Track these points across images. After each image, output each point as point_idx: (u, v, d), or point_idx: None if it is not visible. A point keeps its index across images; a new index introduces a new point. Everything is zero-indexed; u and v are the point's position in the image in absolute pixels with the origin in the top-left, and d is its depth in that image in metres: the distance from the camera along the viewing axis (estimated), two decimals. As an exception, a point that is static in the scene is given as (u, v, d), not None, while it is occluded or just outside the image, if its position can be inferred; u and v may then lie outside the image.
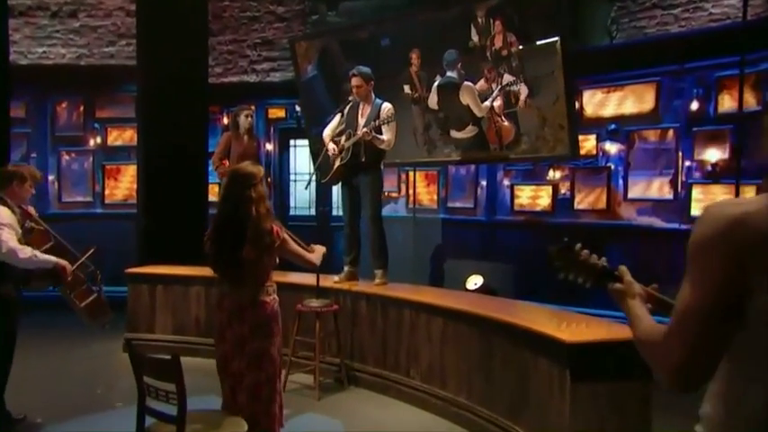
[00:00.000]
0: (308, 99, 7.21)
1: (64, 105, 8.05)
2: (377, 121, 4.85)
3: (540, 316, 3.68)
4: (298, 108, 8.29)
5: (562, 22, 4.86)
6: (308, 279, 4.83)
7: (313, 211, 8.74)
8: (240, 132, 5.89)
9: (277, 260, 3.10)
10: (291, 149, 8.96)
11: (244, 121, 5.90)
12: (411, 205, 7.68)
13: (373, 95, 5.09)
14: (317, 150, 6.08)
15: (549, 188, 7.02)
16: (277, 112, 8.65)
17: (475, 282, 6.32)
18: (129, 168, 8.00)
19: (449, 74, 5.90)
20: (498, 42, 5.69)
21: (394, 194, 8.01)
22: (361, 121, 5.06)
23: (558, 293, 6.75)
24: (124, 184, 8.13)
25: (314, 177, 5.36)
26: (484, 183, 7.51)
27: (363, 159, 4.96)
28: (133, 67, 7.19)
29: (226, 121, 8.45)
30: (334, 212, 8.62)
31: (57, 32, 7.96)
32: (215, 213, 3.07)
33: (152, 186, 6.72)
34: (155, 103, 6.74)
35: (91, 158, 8.11)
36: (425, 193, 7.93)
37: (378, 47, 6.12)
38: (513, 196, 7.27)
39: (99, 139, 8.10)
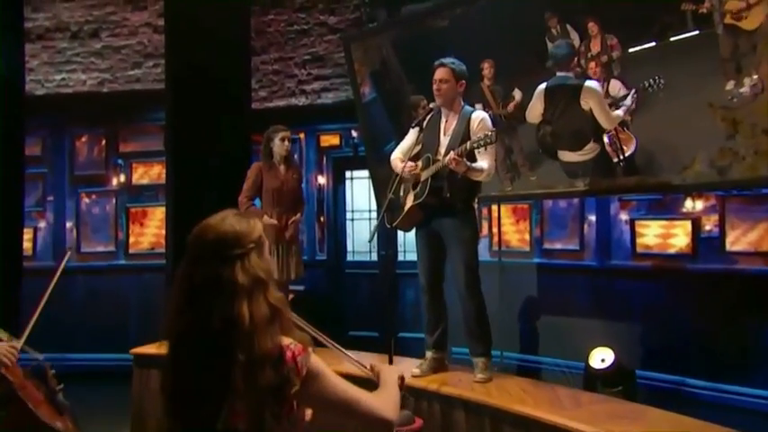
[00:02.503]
0: (368, 122, 5.75)
1: (84, 140, 6.86)
2: (468, 144, 3.13)
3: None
4: (354, 133, 6.81)
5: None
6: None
7: (375, 256, 7.07)
8: (275, 161, 4.39)
9: (306, 415, 1.45)
10: (347, 182, 7.39)
11: (279, 146, 4.37)
12: (496, 247, 6.02)
13: (462, 102, 3.42)
14: (380, 180, 4.49)
15: (687, 224, 5.12)
16: (330, 139, 7.20)
17: (602, 357, 4.45)
18: (156, 211, 6.71)
19: (560, 74, 4.17)
20: (596, 47, 4.25)
21: (473, 234, 6.39)
22: (444, 140, 3.40)
23: (708, 368, 4.88)
24: (151, 230, 6.80)
25: (380, 220, 3.64)
26: (593, 218, 5.69)
27: (448, 196, 3.27)
28: (161, 92, 6.05)
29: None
30: (401, 257, 6.94)
31: (77, 56, 6.79)
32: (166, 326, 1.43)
33: (183, 232, 5.04)
34: (187, 134, 5.65)
35: (113, 200, 6.83)
36: (514, 231, 6.21)
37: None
38: (634, 234, 5.41)
39: (123, 178, 6.85)
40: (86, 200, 6.86)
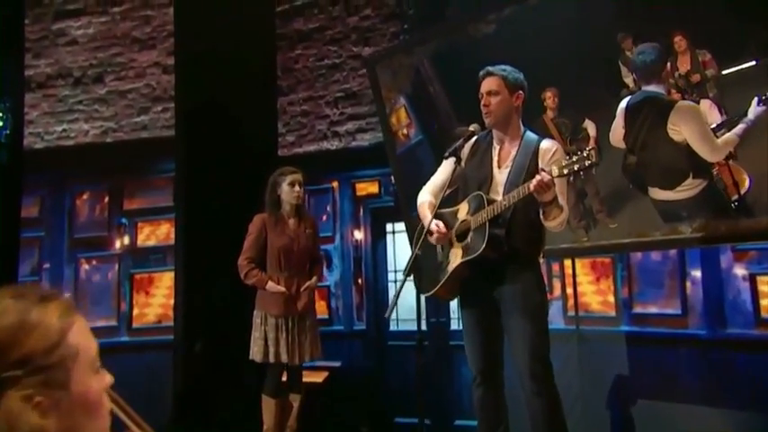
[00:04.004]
0: (407, 169, 5.25)
1: (85, 197, 6.60)
2: (566, 165, 2.45)
3: None
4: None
5: None
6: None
7: (424, 326, 6.35)
8: (283, 212, 3.91)
9: None
10: (389, 237, 6.81)
11: (288, 192, 3.91)
12: (572, 312, 5.30)
13: (521, 125, 2.81)
14: (412, 230, 3.99)
15: (830, 279, 4.19)
16: (367, 187, 6.73)
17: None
18: (164, 277, 6.32)
19: (648, 88, 3.49)
20: (684, 65, 3.70)
21: (542, 295, 5.68)
22: (500, 175, 2.82)
23: None
24: (158, 300, 6.38)
25: (400, 287, 2.95)
26: (697, 273, 4.84)
27: (506, 249, 2.62)
28: (171, 140, 5.82)
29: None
30: (454, 325, 6.24)
31: (79, 104, 6.60)
32: None
33: (195, 302, 5.20)
34: (200, 187, 5.35)
35: (116, 266, 6.50)
36: (593, 292, 5.39)
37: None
38: (756, 295, 4.54)
39: (127, 239, 6.54)
40: (86, 266, 6.57)
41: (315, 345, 3.85)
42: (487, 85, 2.79)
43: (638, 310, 5.10)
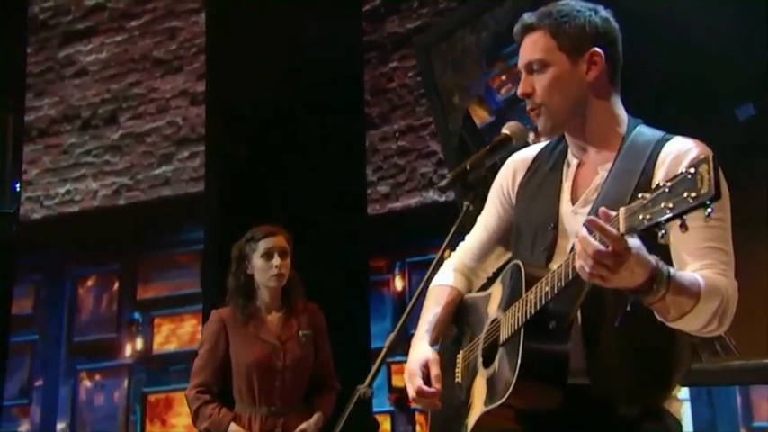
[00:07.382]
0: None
1: (89, 284, 6.48)
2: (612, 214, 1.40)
3: None
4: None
5: None
6: None
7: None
8: (259, 305, 3.17)
9: None
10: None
11: (263, 269, 3.13)
12: None
13: (620, 113, 1.74)
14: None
15: None
16: None
17: None
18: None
19: None
20: None
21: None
22: (574, 218, 1.74)
23: None
24: None
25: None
26: None
27: (589, 383, 1.66)
28: (199, 198, 5.71)
29: (399, 286, 6.44)
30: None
31: (87, 154, 6.57)
32: None
33: None
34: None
35: (125, 382, 6.19)
36: None
37: (732, 121, 3.80)
38: None
39: (140, 343, 6.23)
40: (87, 382, 6.32)
41: None
42: (525, 51, 1.75)
43: None
